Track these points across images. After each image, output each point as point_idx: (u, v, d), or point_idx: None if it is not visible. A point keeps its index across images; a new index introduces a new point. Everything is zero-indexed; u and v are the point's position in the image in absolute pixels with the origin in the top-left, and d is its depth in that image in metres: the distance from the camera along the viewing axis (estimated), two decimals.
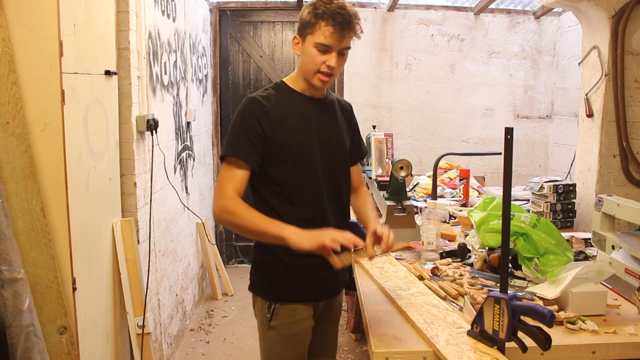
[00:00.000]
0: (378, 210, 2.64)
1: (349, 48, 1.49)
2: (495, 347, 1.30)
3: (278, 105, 1.51)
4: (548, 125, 4.51)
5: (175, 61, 3.12)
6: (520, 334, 1.25)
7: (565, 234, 2.09)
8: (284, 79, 1.60)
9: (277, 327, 1.58)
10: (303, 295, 1.59)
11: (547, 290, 1.61)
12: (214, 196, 1.47)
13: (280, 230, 1.38)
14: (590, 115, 2.86)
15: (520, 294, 1.63)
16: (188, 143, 3.45)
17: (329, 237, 1.34)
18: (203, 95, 4.03)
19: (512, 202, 1.57)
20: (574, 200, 2.66)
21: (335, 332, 1.81)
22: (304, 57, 1.50)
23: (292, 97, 1.56)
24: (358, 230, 2.01)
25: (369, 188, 2.91)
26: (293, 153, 1.51)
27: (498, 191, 3.08)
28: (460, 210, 2.70)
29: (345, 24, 1.43)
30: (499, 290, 1.31)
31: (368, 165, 2.99)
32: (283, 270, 1.56)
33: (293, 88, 1.57)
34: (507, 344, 1.28)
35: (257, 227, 1.40)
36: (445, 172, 3.47)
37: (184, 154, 3.32)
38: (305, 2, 4.17)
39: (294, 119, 1.52)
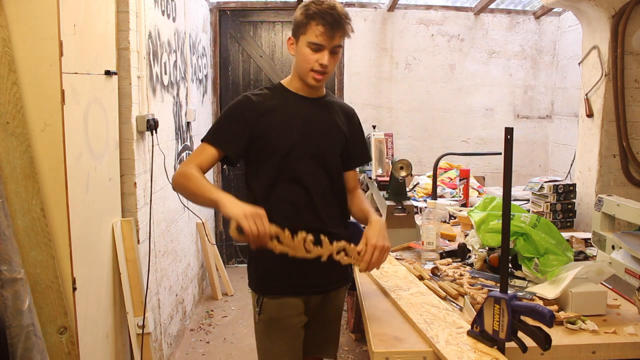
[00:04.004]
0: (378, 210, 2.64)
1: (340, 46, 1.55)
2: (495, 347, 1.30)
3: (267, 101, 1.57)
4: (548, 125, 4.51)
5: (175, 61, 3.12)
6: (520, 334, 1.25)
7: (565, 234, 2.08)
8: (281, 81, 1.65)
9: (265, 321, 1.61)
10: (290, 288, 1.61)
11: (547, 290, 1.61)
12: None
13: (217, 194, 1.39)
14: (590, 115, 2.86)
15: (520, 294, 1.63)
16: (188, 143, 3.45)
17: (249, 220, 1.30)
18: (203, 95, 4.03)
19: (512, 202, 1.57)
20: (574, 200, 2.65)
21: (336, 331, 1.81)
22: (298, 57, 1.56)
23: (284, 95, 1.61)
24: (357, 230, 2.01)
25: (368, 189, 2.91)
26: (278, 147, 1.55)
27: (498, 191, 3.08)
28: (460, 210, 2.70)
29: (335, 24, 1.49)
30: (499, 290, 1.31)
31: (368, 165, 2.99)
32: (270, 264, 1.58)
33: (288, 88, 1.62)
34: (507, 344, 1.28)
35: (199, 190, 1.43)
36: (445, 172, 3.47)
37: (184, 154, 3.32)
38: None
39: (280, 114, 1.56)
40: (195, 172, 1.47)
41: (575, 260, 1.86)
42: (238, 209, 1.33)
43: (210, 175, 4.31)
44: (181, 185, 1.48)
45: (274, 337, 1.61)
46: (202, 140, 1.56)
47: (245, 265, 4.83)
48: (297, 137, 1.57)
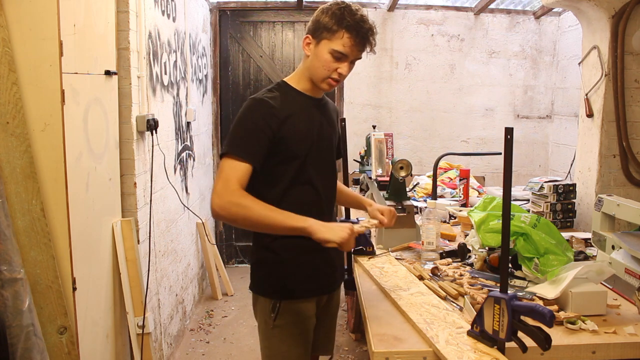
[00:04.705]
0: None
1: (360, 58, 1.54)
2: (495, 347, 1.30)
3: (284, 106, 1.51)
4: (548, 125, 4.51)
5: (175, 61, 3.12)
6: (520, 334, 1.25)
7: (565, 234, 2.09)
8: (285, 79, 1.61)
9: (282, 326, 1.57)
10: (307, 291, 1.60)
11: (547, 290, 1.61)
12: (214, 191, 1.43)
13: (302, 221, 1.39)
14: (590, 115, 2.86)
15: (520, 294, 1.63)
16: (188, 143, 3.45)
17: (351, 235, 1.40)
18: (203, 95, 4.03)
19: (512, 202, 1.57)
20: (574, 200, 2.66)
21: (334, 327, 1.82)
22: (315, 59, 1.51)
23: (296, 98, 1.57)
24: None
25: (368, 189, 2.91)
26: (298, 152, 1.52)
27: (498, 191, 3.08)
28: (460, 210, 2.70)
29: (365, 38, 1.48)
30: (499, 290, 1.31)
31: (368, 165, 2.99)
32: (286, 268, 1.56)
33: (296, 88, 1.58)
34: (507, 344, 1.29)
35: (274, 219, 1.39)
36: (445, 172, 3.47)
37: (184, 154, 3.32)
38: (306, 2, 4.19)
39: (299, 119, 1.53)
40: (249, 199, 1.39)
41: (575, 260, 1.86)
42: (335, 234, 1.37)
43: (209, 175, 4.32)
44: (238, 216, 1.39)
45: (290, 341, 1.58)
46: (228, 154, 1.44)
47: (246, 265, 4.85)
48: (313, 141, 1.55)
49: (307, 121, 1.55)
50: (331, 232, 1.38)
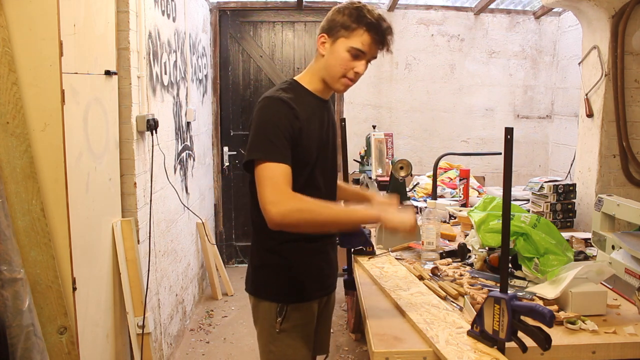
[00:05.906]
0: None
1: (375, 57, 1.51)
2: (495, 347, 1.30)
3: (302, 108, 1.47)
4: (548, 125, 4.51)
5: (175, 61, 3.12)
6: (520, 334, 1.25)
7: (565, 234, 2.08)
8: (296, 78, 1.56)
9: (288, 330, 1.55)
10: (312, 293, 1.59)
11: (547, 290, 1.61)
12: (266, 201, 1.33)
13: (370, 211, 1.44)
14: (590, 115, 2.86)
15: (520, 294, 1.63)
16: (188, 143, 3.45)
17: (414, 221, 1.43)
18: (203, 95, 4.03)
19: (512, 202, 1.57)
20: (574, 200, 2.66)
21: (330, 326, 1.83)
22: (331, 58, 1.47)
23: (309, 100, 1.52)
24: (358, 231, 2.02)
25: (368, 189, 2.91)
26: (310, 159, 1.49)
27: (498, 191, 3.08)
28: (460, 210, 2.70)
29: (384, 37, 1.46)
30: (499, 290, 1.31)
31: (368, 165, 2.99)
32: (291, 271, 1.55)
33: (307, 89, 1.53)
34: (507, 344, 1.29)
35: (341, 217, 1.42)
36: (445, 172, 3.47)
37: (184, 154, 3.32)
38: (306, 2, 4.19)
39: (313, 124, 1.50)
40: (308, 202, 1.36)
41: (575, 260, 1.86)
42: (405, 220, 1.41)
43: (209, 175, 4.32)
44: (303, 222, 1.35)
45: (296, 344, 1.56)
46: (264, 160, 1.38)
47: (246, 265, 4.83)
48: (322, 145, 1.53)
49: (318, 126, 1.52)
50: (401, 219, 1.41)
